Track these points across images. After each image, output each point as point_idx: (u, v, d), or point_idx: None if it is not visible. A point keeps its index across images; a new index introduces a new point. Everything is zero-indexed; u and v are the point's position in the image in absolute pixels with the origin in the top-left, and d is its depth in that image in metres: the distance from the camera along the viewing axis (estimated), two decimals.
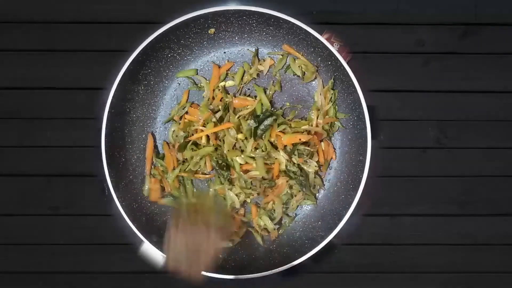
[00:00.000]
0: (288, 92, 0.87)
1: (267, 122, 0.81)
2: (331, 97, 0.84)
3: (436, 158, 0.90)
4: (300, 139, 0.81)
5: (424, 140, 0.90)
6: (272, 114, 0.81)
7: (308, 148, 0.83)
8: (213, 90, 0.86)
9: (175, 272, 0.66)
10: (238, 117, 0.83)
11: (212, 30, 0.82)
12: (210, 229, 0.69)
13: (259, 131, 0.81)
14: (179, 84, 0.87)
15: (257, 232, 0.85)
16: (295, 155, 0.82)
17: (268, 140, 0.82)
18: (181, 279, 0.65)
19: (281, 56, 0.85)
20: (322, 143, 0.85)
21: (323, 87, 0.84)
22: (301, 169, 0.84)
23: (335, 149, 0.86)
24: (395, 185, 0.90)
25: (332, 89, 0.84)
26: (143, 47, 0.77)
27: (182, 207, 0.75)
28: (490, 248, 0.90)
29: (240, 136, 0.82)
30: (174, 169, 0.84)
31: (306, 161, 0.83)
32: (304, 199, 0.85)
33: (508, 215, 0.90)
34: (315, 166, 0.84)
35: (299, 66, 0.85)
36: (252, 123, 0.81)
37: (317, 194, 0.87)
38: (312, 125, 0.83)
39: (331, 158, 0.86)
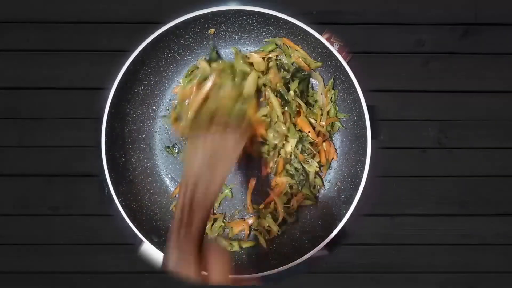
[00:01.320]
0: None
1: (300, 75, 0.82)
2: (331, 97, 0.84)
3: (436, 158, 0.90)
4: (309, 131, 0.82)
5: (424, 140, 0.90)
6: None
7: (311, 148, 0.83)
8: None
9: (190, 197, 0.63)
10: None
11: (212, 30, 0.82)
12: (227, 131, 0.67)
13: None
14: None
15: (260, 234, 0.85)
16: (298, 149, 0.82)
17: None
18: (181, 279, 0.65)
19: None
20: (324, 143, 0.85)
21: (324, 87, 0.84)
22: (302, 167, 0.84)
23: (336, 149, 0.86)
24: (395, 185, 0.90)
25: (333, 89, 0.84)
26: (143, 47, 0.77)
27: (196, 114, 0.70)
28: (490, 248, 0.90)
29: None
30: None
31: (308, 161, 0.83)
32: (305, 198, 0.85)
33: (508, 215, 0.90)
34: (316, 167, 0.84)
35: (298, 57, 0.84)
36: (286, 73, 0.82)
37: (317, 194, 0.87)
38: (317, 123, 0.84)
39: (332, 158, 0.86)
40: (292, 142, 0.81)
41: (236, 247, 0.84)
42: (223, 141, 0.66)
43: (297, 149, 0.83)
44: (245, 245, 0.85)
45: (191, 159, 0.65)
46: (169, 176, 0.88)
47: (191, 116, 0.69)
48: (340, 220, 0.77)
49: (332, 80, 0.83)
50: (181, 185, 0.65)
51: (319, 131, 0.84)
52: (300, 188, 0.84)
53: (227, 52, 0.87)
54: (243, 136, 0.69)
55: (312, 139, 0.83)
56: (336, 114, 0.85)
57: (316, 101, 0.85)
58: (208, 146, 0.66)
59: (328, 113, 0.85)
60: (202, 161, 0.65)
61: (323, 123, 0.84)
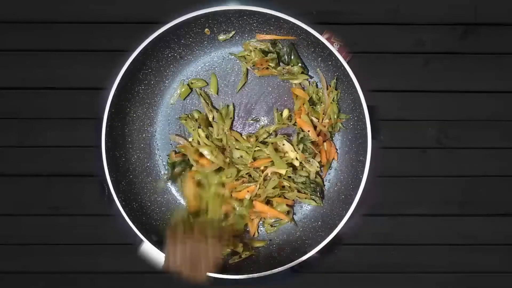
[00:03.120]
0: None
1: None
2: (334, 98, 0.84)
3: (436, 158, 0.90)
4: (308, 130, 0.82)
5: (424, 140, 0.90)
6: None
7: (312, 147, 0.83)
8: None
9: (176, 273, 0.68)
10: None
11: (207, 31, 0.82)
12: (208, 238, 0.72)
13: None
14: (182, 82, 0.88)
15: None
16: (299, 148, 0.82)
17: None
18: (181, 279, 0.65)
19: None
20: (325, 143, 0.85)
21: (327, 87, 0.84)
22: (303, 167, 0.84)
23: (337, 149, 0.86)
24: (395, 185, 0.90)
25: (335, 89, 0.84)
26: (143, 47, 0.77)
27: (179, 220, 0.78)
28: (490, 248, 0.90)
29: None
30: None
31: (309, 160, 0.83)
32: (311, 197, 0.85)
33: (508, 215, 0.90)
34: (317, 167, 0.84)
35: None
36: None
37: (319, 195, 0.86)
38: (319, 122, 0.84)
39: (333, 158, 0.86)
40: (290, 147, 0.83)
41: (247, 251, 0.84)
42: (202, 245, 0.73)
43: (299, 148, 0.83)
44: (257, 244, 0.85)
45: (172, 255, 0.73)
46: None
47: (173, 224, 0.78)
48: (340, 220, 0.77)
49: (334, 80, 0.83)
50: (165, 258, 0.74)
51: (320, 130, 0.84)
52: (305, 189, 0.84)
53: (227, 52, 0.87)
54: (223, 242, 0.76)
55: (313, 138, 0.82)
56: (339, 114, 0.85)
57: (320, 99, 0.85)
58: (187, 248, 0.73)
59: (330, 113, 0.84)
60: (183, 259, 0.72)
61: (326, 121, 0.84)
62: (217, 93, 0.87)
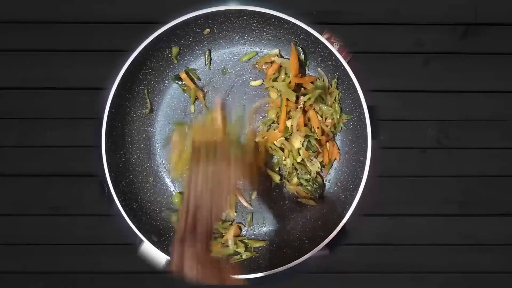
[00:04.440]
0: None
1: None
2: (335, 97, 0.84)
3: (436, 158, 0.90)
4: (318, 127, 0.82)
5: (424, 140, 0.90)
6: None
7: (317, 145, 0.83)
8: None
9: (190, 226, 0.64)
10: None
11: (207, 31, 0.82)
12: (229, 162, 0.68)
13: None
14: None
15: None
16: (303, 146, 0.82)
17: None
18: (181, 279, 0.65)
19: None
20: (327, 143, 0.85)
21: (329, 87, 0.84)
22: (305, 166, 0.84)
23: (339, 149, 0.86)
24: (395, 185, 0.90)
25: (336, 88, 0.84)
26: (143, 47, 0.77)
27: (200, 141, 0.72)
28: (490, 248, 0.90)
29: None
30: None
31: (311, 160, 0.83)
32: (311, 197, 0.85)
33: (508, 215, 0.90)
34: (318, 167, 0.84)
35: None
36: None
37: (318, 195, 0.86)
38: (323, 120, 0.83)
39: (335, 159, 0.86)
40: (300, 138, 0.81)
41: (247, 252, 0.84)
42: (224, 169, 0.67)
43: (303, 145, 0.82)
44: (257, 244, 0.85)
45: (192, 184, 0.66)
46: (170, 175, 0.88)
47: (190, 151, 0.71)
48: (340, 220, 0.77)
49: (335, 79, 0.83)
50: (182, 207, 0.65)
51: (323, 130, 0.84)
52: (308, 188, 0.84)
53: (227, 52, 0.87)
54: (245, 165, 0.71)
55: (318, 136, 0.82)
56: (341, 114, 0.85)
57: (327, 97, 0.85)
58: (209, 173, 0.67)
59: (333, 112, 0.84)
60: (203, 187, 0.66)
61: (329, 121, 0.84)
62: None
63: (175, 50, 0.83)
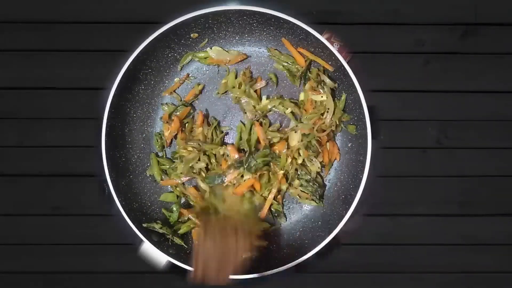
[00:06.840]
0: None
1: None
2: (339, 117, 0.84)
3: (436, 158, 0.90)
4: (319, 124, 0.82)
5: (424, 140, 0.90)
6: None
7: (317, 144, 0.83)
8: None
9: (201, 279, 0.69)
10: None
11: (195, 35, 0.82)
12: (238, 233, 0.72)
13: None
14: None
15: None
16: (303, 144, 0.82)
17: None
18: (181, 280, 0.65)
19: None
20: (328, 143, 0.85)
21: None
22: (305, 166, 0.84)
23: (339, 149, 0.86)
24: (395, 185, 0.90)
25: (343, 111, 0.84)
26: (143, 47, 0.77)
27: (210, 213, 0.78)
28: (490, 248, 0.90)
29: None
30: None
31: (311, 159, 0.83)
32: (312, 197, 0.85)
33: (508, 215, 0.90)
34: (318, 167, 0.84)
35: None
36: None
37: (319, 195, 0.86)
38: (326, 120, 0.83)
39: (335, 159, 0.86)
40: (298, 136, 0.81)
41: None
42: (232, 241, 0.72)
43: (302, 144, 0.82)
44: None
45: (201, 249, 0.72)
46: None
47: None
48: (340, 220, 0.77)
49: (336, 84, 0.83)
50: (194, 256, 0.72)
51: (323, 130, 0.83)
52: (309, 189, 0.84)
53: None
54: (252, 236, 0.75)
55: (318, 134, 0.82)
56: (342, 114, 0.84)
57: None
58: (217, 244, 0.72)
59: (334, 110, 0.84)
60: (210, 252, 0.71)
61: (332, 119, 0.84)
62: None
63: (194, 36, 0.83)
